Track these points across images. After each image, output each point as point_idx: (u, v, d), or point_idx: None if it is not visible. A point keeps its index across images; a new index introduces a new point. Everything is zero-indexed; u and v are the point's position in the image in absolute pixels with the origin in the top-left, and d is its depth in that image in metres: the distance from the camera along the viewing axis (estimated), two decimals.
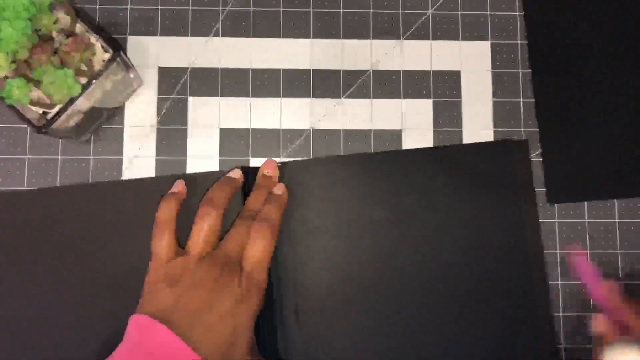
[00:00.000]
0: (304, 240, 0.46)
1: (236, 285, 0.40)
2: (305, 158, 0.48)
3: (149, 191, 0.46)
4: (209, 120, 0.48)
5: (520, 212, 0.47)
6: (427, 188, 0.47)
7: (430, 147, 0.48)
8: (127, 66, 0.44)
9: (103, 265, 0.45)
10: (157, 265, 0.41)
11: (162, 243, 0.42)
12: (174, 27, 0.49)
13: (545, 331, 0.47)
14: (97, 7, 0.49)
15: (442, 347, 0.46)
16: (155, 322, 0.37)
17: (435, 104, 0.49)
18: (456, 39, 0.50)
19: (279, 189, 0.46)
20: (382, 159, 0.48)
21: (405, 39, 0.50)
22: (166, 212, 0.43)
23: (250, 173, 0.47)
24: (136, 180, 0.47)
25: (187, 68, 0.49)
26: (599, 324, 0.42)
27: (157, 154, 0.48)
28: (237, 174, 0.46)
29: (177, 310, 0.38)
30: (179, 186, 0.45)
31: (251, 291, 0.40)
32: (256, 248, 0.42)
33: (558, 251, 0.48)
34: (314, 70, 0.49)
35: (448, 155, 0.48)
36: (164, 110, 0.48)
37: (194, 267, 0.40)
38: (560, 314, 0.48)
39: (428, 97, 0.49)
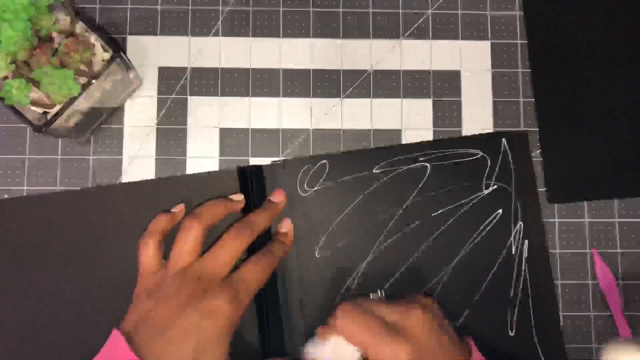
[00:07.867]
0: (308, 237, 0.46)
1: (207, 301, 0.39)
2: (305, 155, 0.48)
3: (148, 194, 0.46)
4: (208, 120, 0.48)
5: (524, 204, 0.47)
6: (430, 183, 0.47)
7: (429, 141, 0.48)
8: (127, 66, 0.44)
9: (104, 269, 0.45)
10: (142, 276, 0.42)
11: (145, 254, 0.42)
12: (174, 27, 0.49)
13: (552, 329, 0.47)
14: (97, 7, 0.49)
15: None
16: (121, 339, 0.37)
17: (435, 104, 0.49)
18: (456, 38, 0.50)
19: (285, 227, 0.46)
20: (383, 154, 0.48)
21: (405, 38, 0.50)
22: (153, 225, 0.43)
23: (251, 171, 0.47)
24: (135, 183, 0.47)
25: (187, 68, 0.49)
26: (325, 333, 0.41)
27: (157, 154, 0.48)
28: (237, 197, 0.45)
29: (147, 322, 0.39)
30: (178, 208, 0.45)
31: (224, 308, 0.39)
32: (252, 274, 0.41)
33: (558, 251, 0.48)
34: (314, 70, 0.49)
35: (448, 148, 0.48)
36: (163, 110, 0.48)
37: (169, 281, 0.40)
38: (560, 313, 0.48)
39: (428, 96, 0.49)
